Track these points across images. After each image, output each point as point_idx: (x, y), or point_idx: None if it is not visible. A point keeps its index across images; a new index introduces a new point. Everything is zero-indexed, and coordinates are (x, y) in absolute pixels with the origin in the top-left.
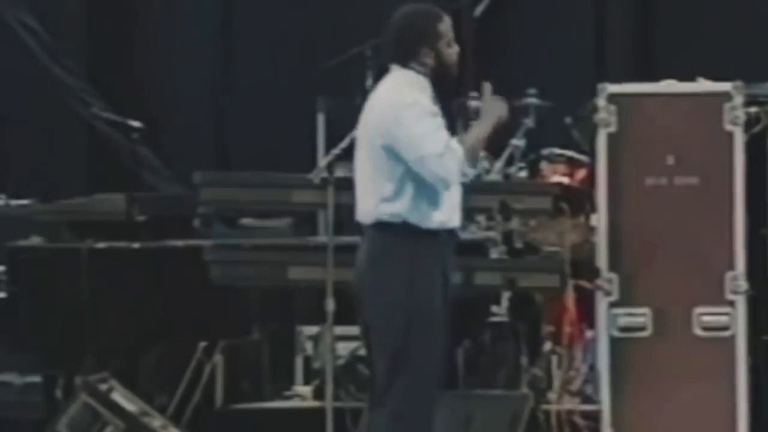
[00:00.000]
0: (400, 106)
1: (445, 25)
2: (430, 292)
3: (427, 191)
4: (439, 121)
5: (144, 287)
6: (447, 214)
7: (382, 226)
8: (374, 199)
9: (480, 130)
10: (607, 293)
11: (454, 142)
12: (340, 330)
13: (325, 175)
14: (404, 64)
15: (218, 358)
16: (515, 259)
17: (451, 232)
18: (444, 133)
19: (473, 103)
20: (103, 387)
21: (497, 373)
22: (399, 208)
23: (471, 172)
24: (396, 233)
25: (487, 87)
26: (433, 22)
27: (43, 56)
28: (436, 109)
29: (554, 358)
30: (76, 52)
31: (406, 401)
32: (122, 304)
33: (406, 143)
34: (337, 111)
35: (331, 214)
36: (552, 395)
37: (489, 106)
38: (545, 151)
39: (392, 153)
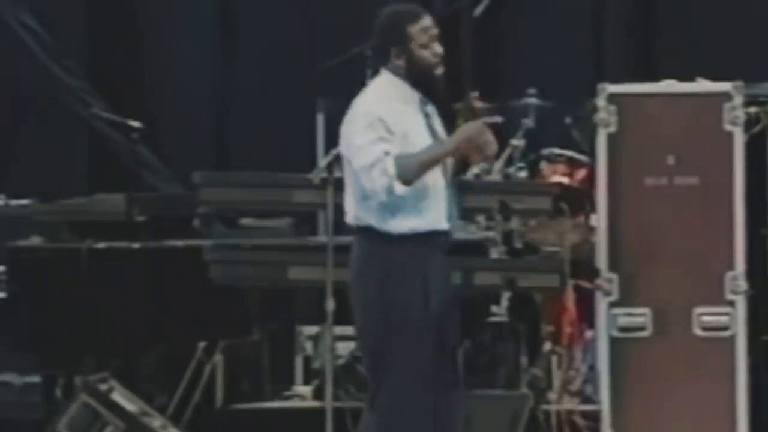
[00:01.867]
0: (352, 116)
1: (419, 26)
2: (405, 295)
3: (400, 196)
4: (382, 133)
5: (144, 287)
6: (421, 218)
7: (359, 230)
8: (351, 203)
9: (439, 149)
10: (607, 293)
11: (388, 159)
12: (339, 330)
13: (324, 175)
14: (384, 66)
15: (218, 358)
16: (515, 259)
17: (436, 235)
18: (381, 147)
19: (477, 104)
20: (103, 387)
21: (497, 373)
22: (367, 213)
23: (400, 190)
24: (370, 237)
25: (473, 97)
26: (404, 23)
27: (43, 56)
28: (386, 118)
29: (554, 358)
30: (76, 52)
31: (390, 405)
32: (122, 304)
33: (349, 153)
34: (336, 111)
35: (331, 214)
36: (552, 395)
37: (465, 126)
38: (545, 151)
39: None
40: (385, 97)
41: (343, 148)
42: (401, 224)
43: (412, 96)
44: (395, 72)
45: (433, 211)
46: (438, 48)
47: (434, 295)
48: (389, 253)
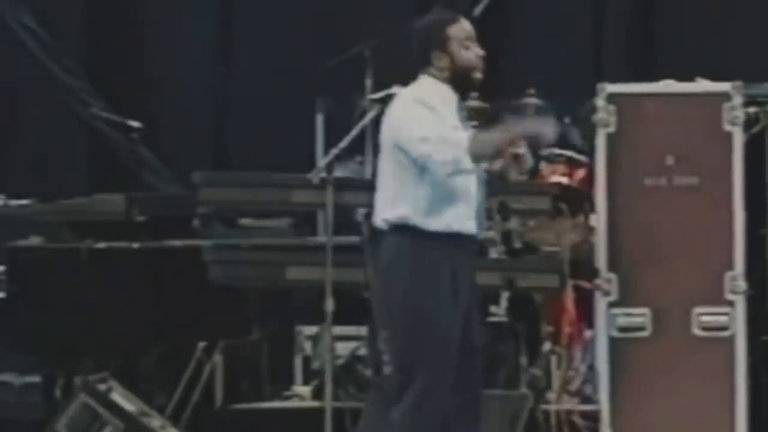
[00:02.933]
0: (404, 104)
1: (458, 28)
2: (434, 293)
3: (433, 193)
4: (438, 117)
5: (144, 287)
6: (455, 217)
7: (390, 229)
8: (383, 202)
9: (498, 133)
10: (606, 293)
11: (460, 133)
12: (339, 330)
13: (324, 175)
14: (424, 71)
15: (218, 358)
16: (514, 259)
17: (466, 237)
18: (446, 125)
19: (531, 101)
20: (103, 387)
21: (497, 373)
22: (403, 210)
23: (468, 165)
24: (401, 234)
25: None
26: (442, 25)
27: (43, 56)
28: (443, 109)
29: (553, 358)
30: (76, 52)
31: (416, 405)
32: (122, 304)
33: (408, 135)
34: (336, 111)
35: (330, 215)
36: (551, 395)
37: (530, 120)
38: (544, 151)
39: (399, 153)
40: (429, 94)
41: (393, 138)
42: (438, 222)
43: (452, 99)
44: (436, 75)
45: (465, 214)
46: (478, 50)
47: (462, 295)
48: (419, 251)
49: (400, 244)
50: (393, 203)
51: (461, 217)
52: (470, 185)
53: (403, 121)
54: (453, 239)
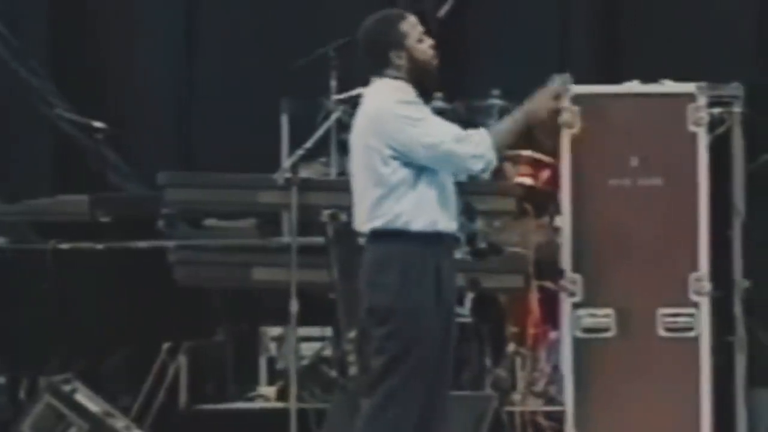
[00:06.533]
0: (395, 109)
1: (409, 23)
2: (422, 297)
3: (423, 195)
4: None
5: (108, 288)
6: (440, 218)
7: (375, 234)
8: (365, 207)
9: (509, 121)
10: (571, 294)
11: (482, 132)
12: (303, 331)
13: (288, 175)
14: (381, 74)
15: (182, 359)
16: (479, 260)
17: (446, 236)
18: (447, 125)
19: (496, 101)
20: (67, 388)
21: (461, 374)
22: (389, 213)
23: (494, 162)
24: (387, 239)
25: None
26: (394, 23)
27: (7, 57)
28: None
29: (518, 359)
30: (39, 52)
31: (389, 401)
32: (86, 305)
33: (417, 140)
34: (301, 112)
35: (295, 215)
36: (516, 396)
37: (533, 99)
38: (509, 152)
39: (390, 158)
40: (406, 94)
41: (395, 143)
42: (424, 222)
43: (415, 96)
44: (396, 75)
45: (448, 214)
46: (430, 40)
47: (444, 294)
48: (407, 254)
49: (386, 251)
50: (377, 208)
51: (445, 218)
52: (450, 183)
53: (408, 124)
54: (438, 239)
